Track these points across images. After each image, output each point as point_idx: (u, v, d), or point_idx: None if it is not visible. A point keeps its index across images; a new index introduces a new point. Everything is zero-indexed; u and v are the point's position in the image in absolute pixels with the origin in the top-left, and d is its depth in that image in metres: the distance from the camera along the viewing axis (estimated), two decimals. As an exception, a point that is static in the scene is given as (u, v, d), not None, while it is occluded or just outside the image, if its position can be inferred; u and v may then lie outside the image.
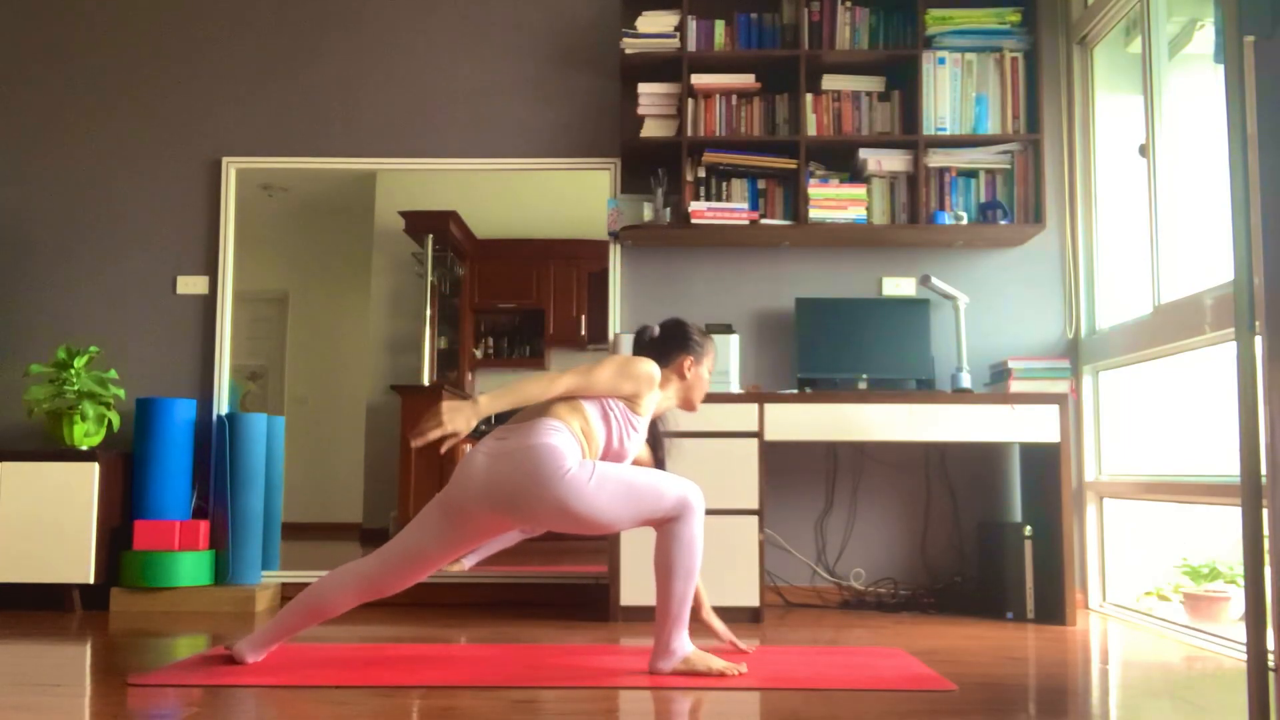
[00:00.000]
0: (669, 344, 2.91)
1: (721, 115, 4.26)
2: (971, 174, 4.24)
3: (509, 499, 2.61)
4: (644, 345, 2.92)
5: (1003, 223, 4.13)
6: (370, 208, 4.52)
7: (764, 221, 4.16)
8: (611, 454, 2.77)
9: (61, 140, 4.51)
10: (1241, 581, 1.97)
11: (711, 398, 3.77)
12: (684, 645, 2.70)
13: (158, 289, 4.43)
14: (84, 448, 4.06)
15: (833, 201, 4.14)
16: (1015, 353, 4.21)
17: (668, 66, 4.25)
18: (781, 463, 4.23)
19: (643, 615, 3.23)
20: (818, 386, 4.07)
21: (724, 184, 4.24)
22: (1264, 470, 1.77)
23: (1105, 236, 4.22)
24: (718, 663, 2.68)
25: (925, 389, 4.10)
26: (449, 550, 2.74)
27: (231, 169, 4.46)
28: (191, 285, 4.42)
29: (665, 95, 4.27)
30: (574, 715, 2.34)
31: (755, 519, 3.73)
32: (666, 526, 2.65)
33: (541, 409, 2.71)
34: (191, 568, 4.02)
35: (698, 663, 2.68)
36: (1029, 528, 3.85)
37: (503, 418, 2.78)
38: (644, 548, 3.69)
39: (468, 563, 4.28)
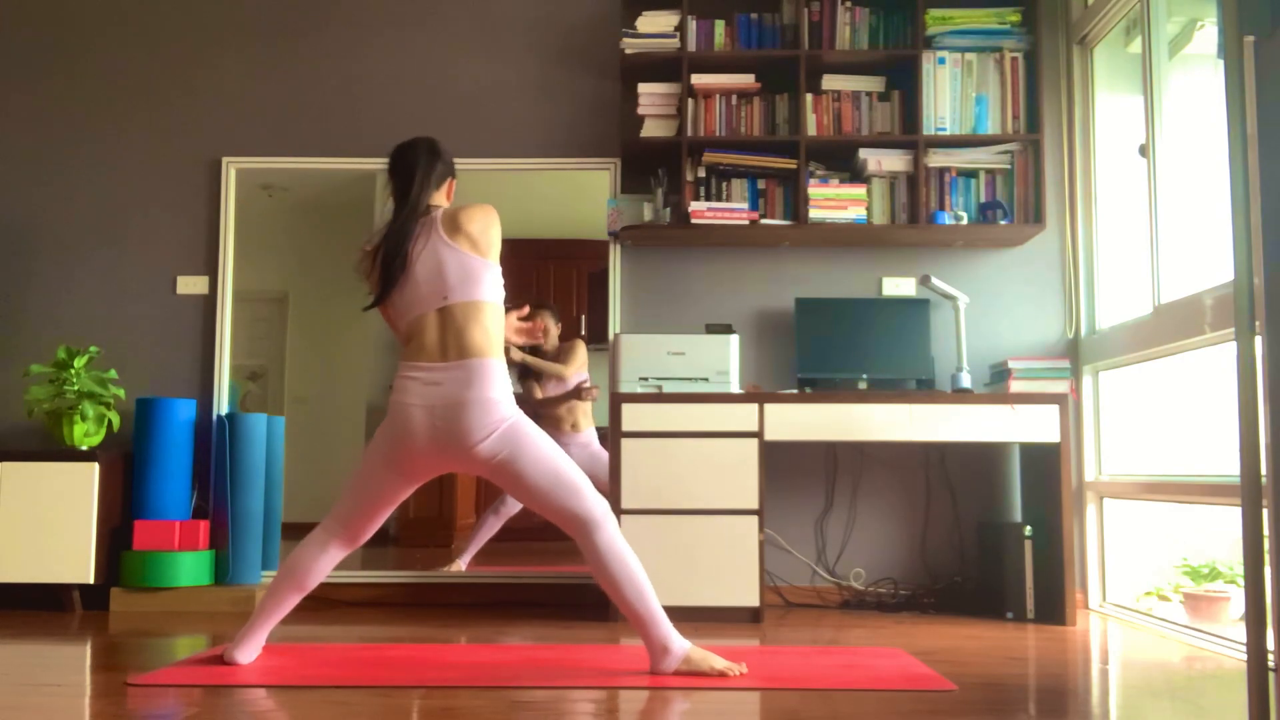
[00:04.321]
0: (437, 160, 2.87)
1: (721, 115, 4.26)
2: (971, 174, 4.24)
3: (445, 451, 2.68)
4: (428, 155, 2.84)
5: (1003, 223, 4.14)
6: (370, 208, 4.51)
7: (764, 221, 4.16)
8: None
9: (61, 140, 4.50)
10: (1241, 581, 1.97)
11: (711, 398, 3.78)
12: (680, 644, 2.69)
13: (158, 289, 4.43)
14: (84, 448, 4.06)
15: (833, 201, 4.14)
16: (1015, 353, 4.21)
17: (668, 66, 4.24)
18: (781, 463, 4.23)
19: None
20: (818, 386, 4.07)
21: (724, 184, 4.24)
22: (1264, 470, 1.77)
23: (1105, 236, 4.22)
24: (719, 662, 2.68)
25: (925, 389, 4.10)
26: (403, 490, 2.81)
27: (231, 169, 4.46)
28: (191, 285, 4.42)
29: (665, 95, 4.27)
30: (574, 715, 2.34)
31: (755, 519, 3.73)
32: (587, 544, 2.66)
33: (463, 341, 2.67)
34: (191, 568, 4.02)
35: (699, 662, 2.68)
36: (1029, 528, 3.85)
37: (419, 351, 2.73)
38: (644, 548, 3.69)
39: (463, 562, 4.30)
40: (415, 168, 2.83)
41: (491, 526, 4.30)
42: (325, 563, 2.84)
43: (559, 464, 2.68)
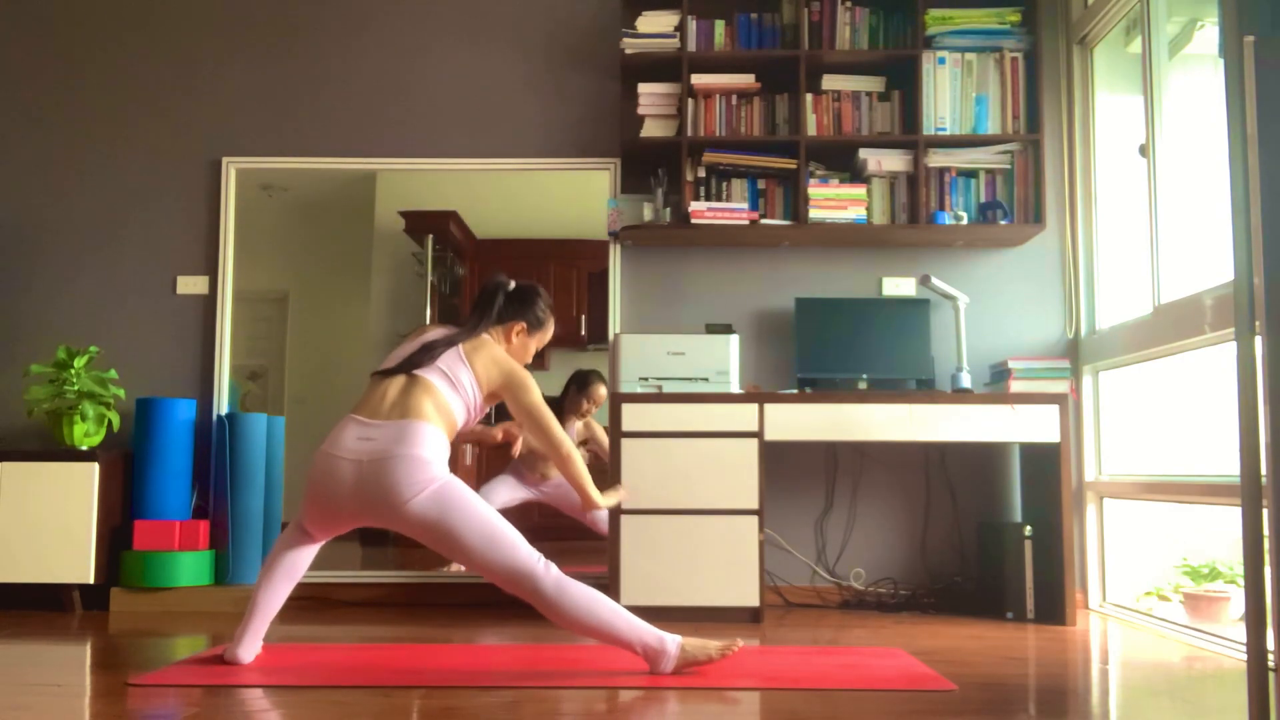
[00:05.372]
0: (512, 305, 2.97)
1: (721, 115, 4.26)
2: (971, 174, 4.24)
3: (373, 508, 2.64)
4: (490, 292, 2.96)
5: (1003, 223, 4.14)
6: (370, 208, 4.52)
7: (764, 221, 4.16)
8: (465, 428, 2.87)
9: (62, 141, 4.50)
10: (1241, 581, 1.97)
11: (711, 398, 3.78)
12: (672, 642, 2.67)
13: (158, 289, 4.43)
14: (84, 448, 4.06)
15: (833, 201, 4.14)
16: (1015, 353, 4.21)
17: (668, 66, 4.24)
18: (781, 463, 4.23)
19: (644, 615, 3.22)
20: (818, 386, 4.06)
21: (724, 184, 4.24)
22: (1264, 470, 1.77)
23: (1105, 236, 4.22)
24: (715, 648, 2.68)
25: (925, 389, 4.10)
26: (341, 530, 2.82)
27: (231, 169, 4.46)
28: (191, 285, 4.42)
29: (665, 95, 4.27)
30: (574, 715, 2.34)
31: (755, 519, 3.72)
32: (536, 595, 2.61)
33: (409, 404, 2.70)
34: (191, 568, 4.02)
35: (697, 653, 2.67)
36: (1029, 528, 3.85)
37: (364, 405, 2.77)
38: (644, 548, 3.69)
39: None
40: (480, 302, 2.97)
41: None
42: (307, 554, 2.88)
43: (493, 521, 2.63)
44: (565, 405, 4.27)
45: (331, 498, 2.68)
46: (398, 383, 2.76)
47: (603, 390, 4.26)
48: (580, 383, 4.29)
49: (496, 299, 2.95)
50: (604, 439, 4.19)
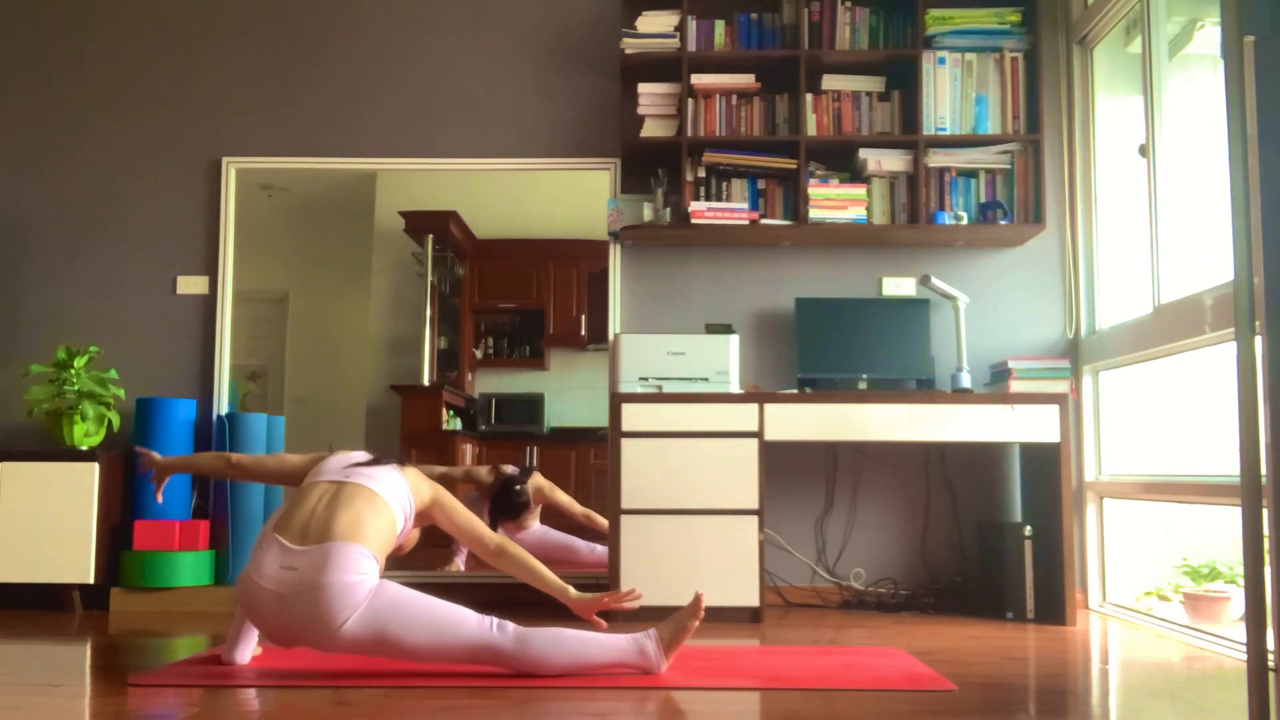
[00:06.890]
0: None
1: (721, 115, 4.26)
2: (971, 174, 4.24)
3: (312, 634, 2.55)
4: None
5: (1003, 223, 4.14)
6: (370, 208, 4.52)
7: (764, 221, 4.16)
8: (403, 536, 2.82)
9: (62, 141, 4.50)
10: (1241, 581, 1.97)
11: (711, 398, 3.78)
12: (648, 641, 2.66)
13: (158, 289, 4.43)
14: (84, 448, 4.06)
15: (833, 201, 4.14)
16: (1015, 353, 4.21)
17: (668, 66, 4.25)
18: (781, 463, 4.23)
19: (644, 616, 3.24)
20: (818, 386, 4.07)
21: (724, 184, 4.24)
22: (1264, 470, 1.77)
23: (1105, 236, 4.22)
24: (685, 614, 2.67)
25: (925, 389, 4.10)
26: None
27: (231, 169, 4.46)
28: (191, 285, 4.42)
29: (665, 95, 4.27)
30: (574, 715, 2.34)
31: (755, 519, 3.73)
32: (504, 659, 2.57)
33: (334, 521, 2.58)
34: (191, 568, 4.02)
35: (676, 632, 2.67)
36: (1029, 528, 3.85)
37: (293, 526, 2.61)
38: (644, 548, 3.69)
39: (460, 561, 4.29)
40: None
41: None
42: None
43: (431, 607, 2.55)
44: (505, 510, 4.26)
45: (260, 620, 2.60)
46: (328, 492, 2.67)
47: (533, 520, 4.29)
48: (507, 510, 4.23)
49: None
50: (563, 499, 4.27)
